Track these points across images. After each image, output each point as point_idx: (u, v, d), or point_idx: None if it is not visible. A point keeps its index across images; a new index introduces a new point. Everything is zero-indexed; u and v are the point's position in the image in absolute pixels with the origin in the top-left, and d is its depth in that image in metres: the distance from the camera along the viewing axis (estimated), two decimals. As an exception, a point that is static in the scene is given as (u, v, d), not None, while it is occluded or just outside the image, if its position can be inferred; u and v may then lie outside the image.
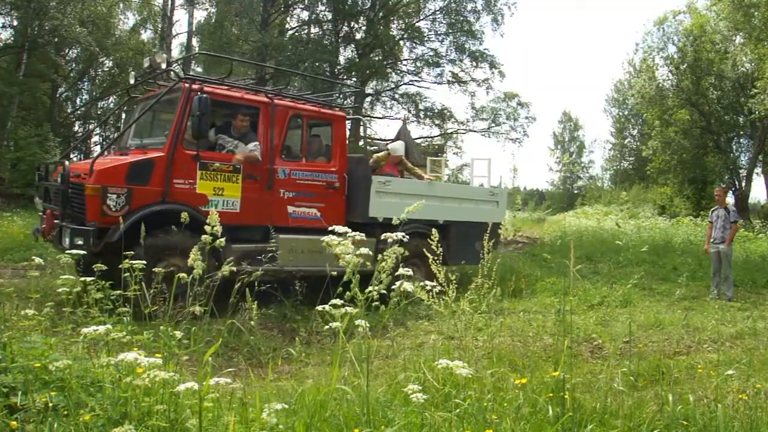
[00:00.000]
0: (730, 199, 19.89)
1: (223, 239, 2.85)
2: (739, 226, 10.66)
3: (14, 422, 2.31)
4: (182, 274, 3.10)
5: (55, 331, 3.31)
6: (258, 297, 3.52)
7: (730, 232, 9.28)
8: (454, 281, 3.40)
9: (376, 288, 2.52)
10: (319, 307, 2.54)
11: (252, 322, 3.07)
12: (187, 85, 6.67)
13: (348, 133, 26.32)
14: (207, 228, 2.83)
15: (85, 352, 2.98)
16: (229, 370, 2.83)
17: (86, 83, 28.07)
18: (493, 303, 3.94)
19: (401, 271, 2.63)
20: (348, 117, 8.43)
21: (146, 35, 28.73)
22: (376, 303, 2.52)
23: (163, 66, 7.03)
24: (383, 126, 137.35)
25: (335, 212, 7.60)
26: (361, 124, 12.86)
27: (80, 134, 26.19)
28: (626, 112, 48.99)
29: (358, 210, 7.73)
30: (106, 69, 26.90)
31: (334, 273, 3.62)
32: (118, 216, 5.78)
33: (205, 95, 6.41)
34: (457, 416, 2.53)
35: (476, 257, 9.08)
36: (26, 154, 17.97)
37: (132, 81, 8.16)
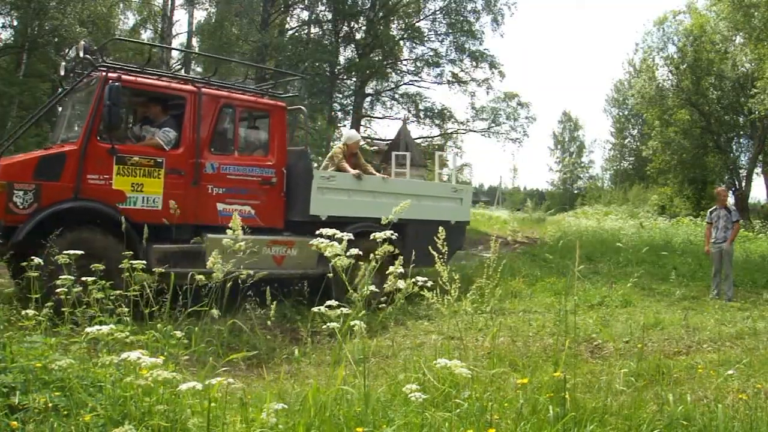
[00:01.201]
0: (729, 199, 19.90)
1: (242, 243, 2.79)
2: (741, 225, 10.66)
3: (14, 422, 2.31)
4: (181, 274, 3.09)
5: (55, 332, 3.31)
6: (259, 297, 3.52)
7: (732, 231, 9.29)
8: (457, 281, 3.38)
9: (371, 288, 2.51)
10: (315, 309, 2.54)
11: (269, 322, 3.05)
12: (103, 74, 6.26)
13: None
14: (228, 232, 2.78)
15: (84, 352, 2.98)
16: (224, 369, 2.82)
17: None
18: (494, 303, 3.93)
19: (392, 268, 2.59)
20: (289, 108, 7.92)
21: (146, 35, 28.74)
22: (378, 302, 2.52)
23: (81, 54, 6.64)
24: (383, 126, 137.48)
25: (272, 210, 7.17)
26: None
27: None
28: (626, 112, 49.09)
29: (297, 207, 7.25)
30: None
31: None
32: (25, 214, 5.55)
33: (117, 84, 6.00)
34: (457, 416, 2.53)
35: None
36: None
37: (62, 72, 7.76)
